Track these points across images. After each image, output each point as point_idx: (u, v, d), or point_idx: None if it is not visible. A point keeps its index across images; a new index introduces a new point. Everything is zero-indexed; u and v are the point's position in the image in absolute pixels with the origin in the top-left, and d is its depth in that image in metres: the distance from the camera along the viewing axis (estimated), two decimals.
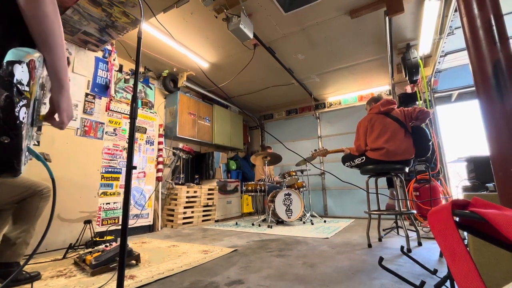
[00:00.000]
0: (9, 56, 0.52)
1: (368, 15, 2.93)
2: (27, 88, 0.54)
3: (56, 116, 0.69)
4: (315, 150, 3.00)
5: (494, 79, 0.71)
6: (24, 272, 1.55)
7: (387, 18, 2.80)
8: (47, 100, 0.70)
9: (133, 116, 1.08)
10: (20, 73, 0.53)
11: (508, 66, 0.70)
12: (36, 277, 1.59)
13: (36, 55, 0.56)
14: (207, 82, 4.56)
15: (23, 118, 0.54)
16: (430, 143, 2.31)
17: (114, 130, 3.18)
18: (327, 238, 2.71)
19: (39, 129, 2.23)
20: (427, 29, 3.00)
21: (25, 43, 0.58)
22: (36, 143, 2.30)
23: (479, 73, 0.75)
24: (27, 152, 0.59)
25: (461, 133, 4.14)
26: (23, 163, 0.57)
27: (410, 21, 3.09)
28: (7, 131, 0.51)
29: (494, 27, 0.72)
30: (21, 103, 0.53)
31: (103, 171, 2.97)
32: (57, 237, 2.38)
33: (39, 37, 0.59)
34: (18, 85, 0.52)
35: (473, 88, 1.04)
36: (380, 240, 2.51)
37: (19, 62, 0.53)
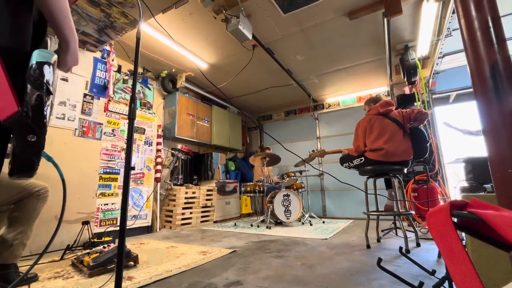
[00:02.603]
0: (37, 57, 0.52)
1: (366, 17, 2.94)
2: (51, 88, 0.55)
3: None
4: (313, 150, 3.00)
5: (492, 80, 0.71)
6: (21, 274, 1.54)
7: (385, 19, 2.81)
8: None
9: (131, 116, 1.08)
10: (48, 74, 0.53)
11: (505, 68, 0.70)
12: (33, 278, 1.58)
13: (56, 57, 0.57)
14: (206, 82, 4.55)
15: (48, 117, 0.55)
16: (428, 144, 2.33)
17: (113, 130, 3.17)
18: (326, 239, 2.71)
19: None
20: (425, 31, 3.01)
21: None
22: None
23: (477, 74, 0.75)
24: None
25: (459, 134, 4.15)
26: None
27: (408, 23, 3.11)
28: (35, 130, 0.52)
29: (492, 29, 0.72)
30: (47, 102, 0.54)
31: (101, 172, 2.96)
32: (55, 238, 2.36)
33: None
34: (47, 85, 0.53)
35: (471, 89, 1.05)
36: (378, 241, 2.51)
37: (48, 64, 0.53)
